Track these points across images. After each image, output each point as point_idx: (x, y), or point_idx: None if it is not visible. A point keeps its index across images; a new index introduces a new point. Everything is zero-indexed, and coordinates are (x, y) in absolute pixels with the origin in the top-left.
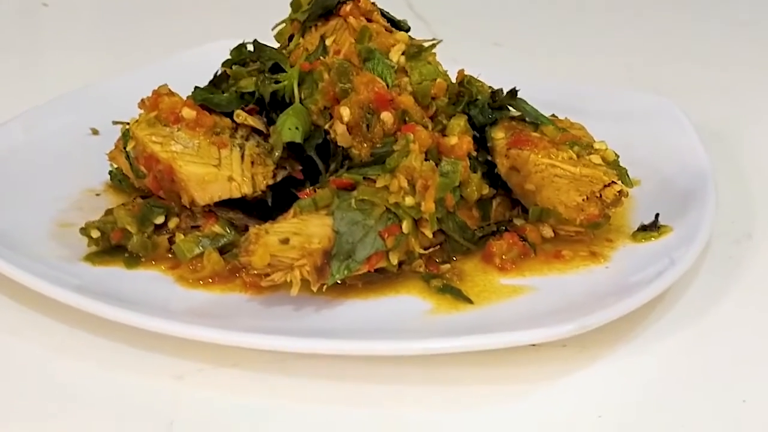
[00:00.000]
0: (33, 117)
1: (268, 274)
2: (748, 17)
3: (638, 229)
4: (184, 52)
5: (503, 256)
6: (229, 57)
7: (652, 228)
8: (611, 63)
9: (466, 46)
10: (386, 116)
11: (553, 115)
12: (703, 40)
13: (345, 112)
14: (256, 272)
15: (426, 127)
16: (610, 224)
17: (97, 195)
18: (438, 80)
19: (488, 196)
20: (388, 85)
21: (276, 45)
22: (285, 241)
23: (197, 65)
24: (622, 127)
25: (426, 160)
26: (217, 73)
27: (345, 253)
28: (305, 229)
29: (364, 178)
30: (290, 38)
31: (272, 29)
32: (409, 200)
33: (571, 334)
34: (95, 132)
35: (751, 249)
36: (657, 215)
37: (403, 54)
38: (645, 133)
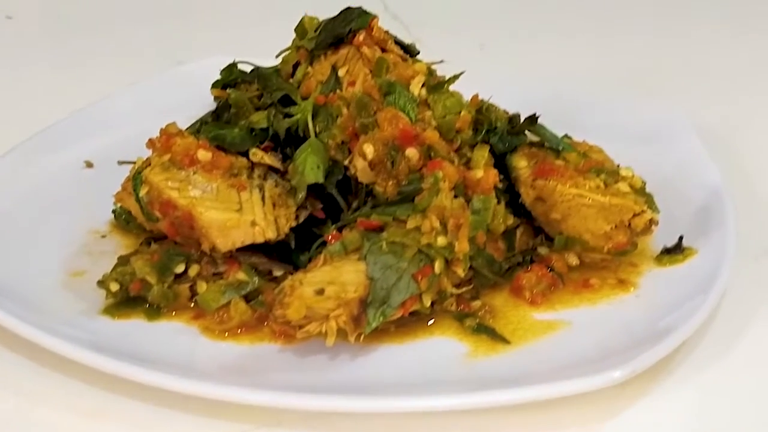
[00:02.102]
0: (22, 153)
1: (302, 326)
2: (738, 16)
3: (662, 252)
4: (166, 71)
5: (533, 290)
6: (219, 77)
7: (676, 251)
8: (601, 64)
9: (450, 49)
10: (411, 153)
11: (566, 136)
12: (692, 40)
13: (369, 149)
14: (291, 324)
15: (452, 162)
16: None
17: (103, 237)
18: (463, 113)
19: (512, 226)
20: (411, 120)
21: (266, 62)
22: (320, 292)
23: (182, 85)
24: (624, 138)
25: (454, 196)
26: (219, 103)
27: (380, 299)
28: (339, 277)
29: (393, 218)
30: (295, 66)
31: (276, 56)
32: (441, 240)
33: (620, 380)
34: (89, 165)
35: None
36: (681, 238)
37: (422, 86)
38: (649, 145)
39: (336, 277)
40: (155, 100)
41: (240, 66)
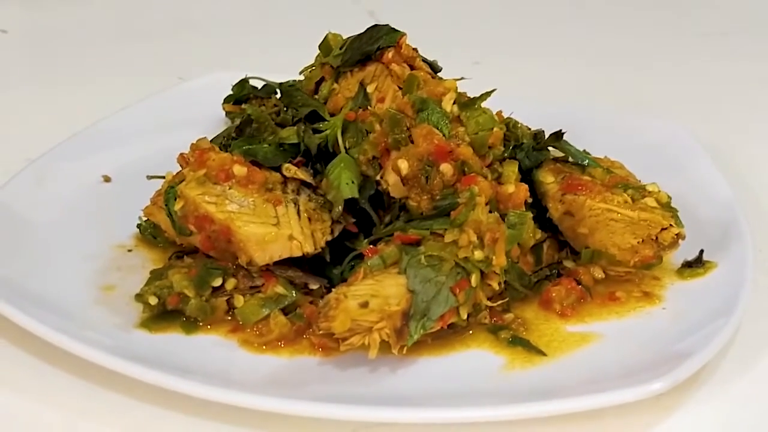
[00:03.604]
0: (41, 167)
1: (346, 338)
2: (726, 29)
3: (683, 266)
4: (170, 88)
5: (563, 302)
6: (230, 93)
7: (697, 264)
8: (598, 82)
9: (445, 66)
10: (446, 168)
11: (584, 151)
12: (689, 57)
13: (403, 164)
14: (335, 336)
15: (485, 177)
16: None
17: (129, 251)
18: (495, 130)
19: (540, 240)
20: (445, 136)
21: (270, 77)
22: (364, 305)
23: (188, 101)
24: (633, 155)
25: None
26: (242, 118)
27: (421, 312)
28: (382, 290)
29: (430, 232)
30: (317, 82)
31: (300, 72)
32: (478, 254)
33: (660, 392)
34: (107, 179)
35: None
36: (701, 251)
37: (454, 102)
38: (658, 162)
39: (378, 290)
40: (163, 116)
41: (253, 82)
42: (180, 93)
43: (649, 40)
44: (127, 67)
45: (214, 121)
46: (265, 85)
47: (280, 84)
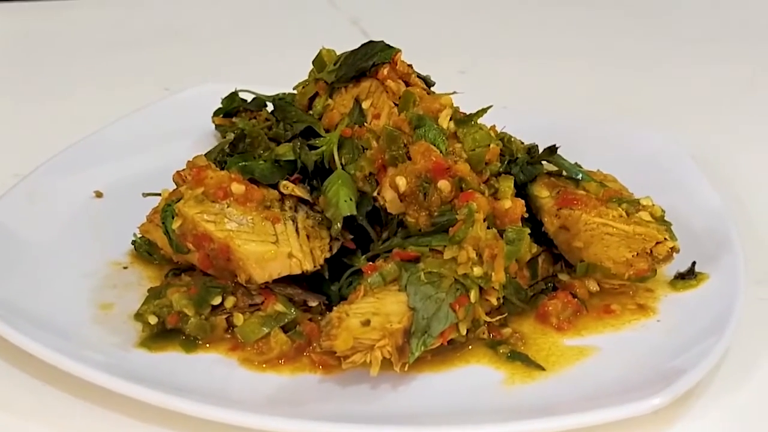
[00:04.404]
0: (32, 183)
1: (347, 356)
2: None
3: (675, 277)
4: (158, 101)
5: (559, 316)
6: (220, 106)
7: (689, 276)
8: (580, 90)
9: (431, 75)
10: (443, 185)
11: (577, 165)
12: (675, 67)
13: (401, 181)
14: (336, 354)
15: (482, 193)
16: None
17: (125, 268)
18: (492, 146)
19: (536, 253)
20: (442, 153)
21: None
22: (366, 323)
23: (175, 114)
24: (622, 164)
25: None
26: (236, 133)
27: (422, 329)
28: (383, 308)
29: (429, 249)
30: (311, 98)
31: (294, 88)
32: (477, 270)
33: (660, 407)
34: (99, 195)
35: None
36: (694, 263)
37: (450, 119)
38: (647, 171)
39: (379, 308)
40: (153, 129)
41: (243, 95)
42: (169, 106)
43: (642, 47)
44: (112, 77)
45: (204, 134)
46: (254, 98)
47: (272, 98)
